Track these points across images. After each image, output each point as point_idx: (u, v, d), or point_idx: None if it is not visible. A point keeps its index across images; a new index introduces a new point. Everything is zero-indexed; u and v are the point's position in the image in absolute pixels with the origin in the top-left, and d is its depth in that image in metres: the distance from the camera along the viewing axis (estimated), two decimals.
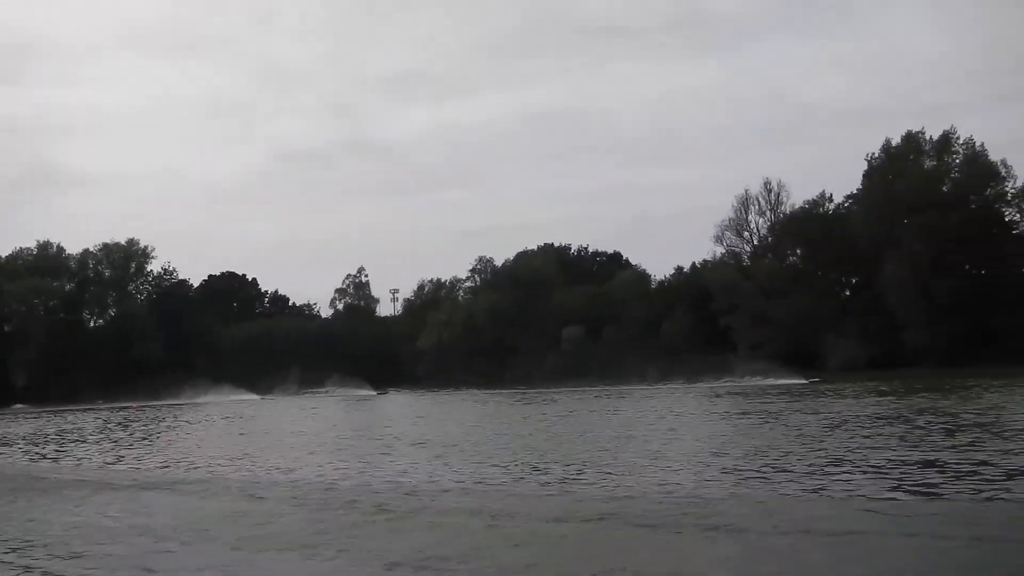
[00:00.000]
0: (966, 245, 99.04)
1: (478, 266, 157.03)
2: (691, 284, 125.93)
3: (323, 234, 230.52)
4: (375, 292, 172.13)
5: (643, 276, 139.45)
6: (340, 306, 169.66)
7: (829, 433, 32.00)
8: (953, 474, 20.37)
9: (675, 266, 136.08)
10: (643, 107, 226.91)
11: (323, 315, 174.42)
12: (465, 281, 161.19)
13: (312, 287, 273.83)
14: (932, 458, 23.52)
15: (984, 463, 21.72)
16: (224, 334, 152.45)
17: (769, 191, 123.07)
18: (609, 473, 23.29)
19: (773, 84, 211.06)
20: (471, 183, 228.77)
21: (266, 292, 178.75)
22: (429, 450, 32.46)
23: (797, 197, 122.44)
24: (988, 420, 34.10)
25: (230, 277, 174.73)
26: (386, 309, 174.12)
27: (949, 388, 58.70)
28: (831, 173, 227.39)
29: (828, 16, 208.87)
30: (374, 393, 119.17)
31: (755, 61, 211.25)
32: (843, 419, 38.05)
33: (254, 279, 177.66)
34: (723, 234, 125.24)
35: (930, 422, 34.47)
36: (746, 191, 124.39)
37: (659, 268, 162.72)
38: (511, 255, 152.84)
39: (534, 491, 20.83)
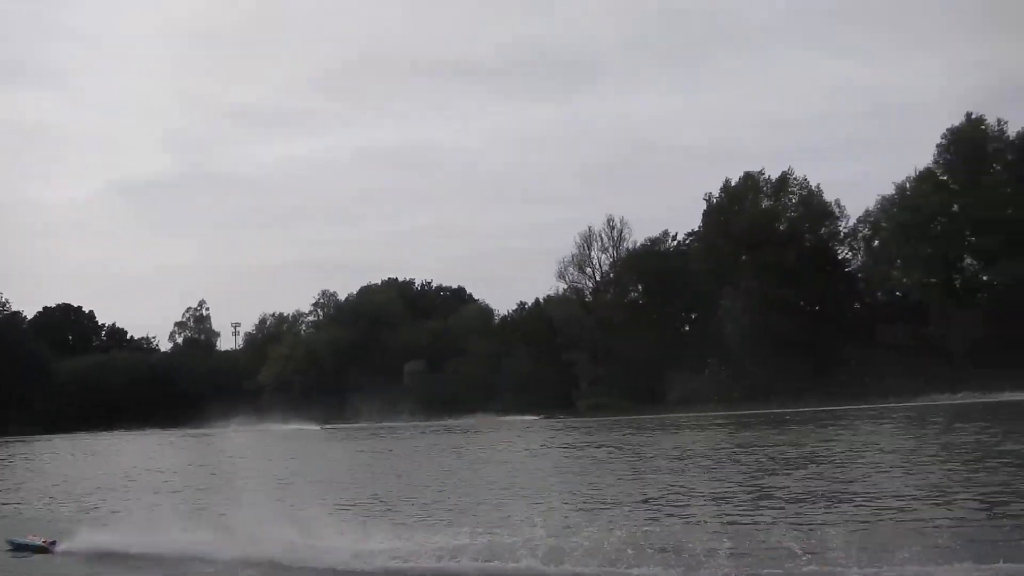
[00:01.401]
0: (801, 282, 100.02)
1: (321, 300, 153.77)
2: (534, 319, 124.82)
3: (163, 267, 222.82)
4: (216, 326, 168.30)
5: (486, 311, 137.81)
6: (180, 340, 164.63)
7: None
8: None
9: (518, 301, 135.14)
10: (488, 144, 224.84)
11: (162, 348, 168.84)
12: (308, 315, 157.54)
13: (152, 320, 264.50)
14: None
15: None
16: (59, 367, 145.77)
17: (612, 228, 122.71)
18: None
19: (616, 124, 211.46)
20: (315, 218, 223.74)
21: (103, 325, 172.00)
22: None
23: (639, 234, 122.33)
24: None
25: (65, 309, 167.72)
26: (227, 343, 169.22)
27: (779, 422, 58.53)
28: (673, 212, 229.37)
29: (673, 59, 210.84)
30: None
31: (599, 101, 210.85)
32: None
33: (91, 311, 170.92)
34: (566, 270, 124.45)
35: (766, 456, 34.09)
36: (589, 228, 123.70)
37: (503, 303, 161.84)
38: (355, 289, 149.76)
39: None
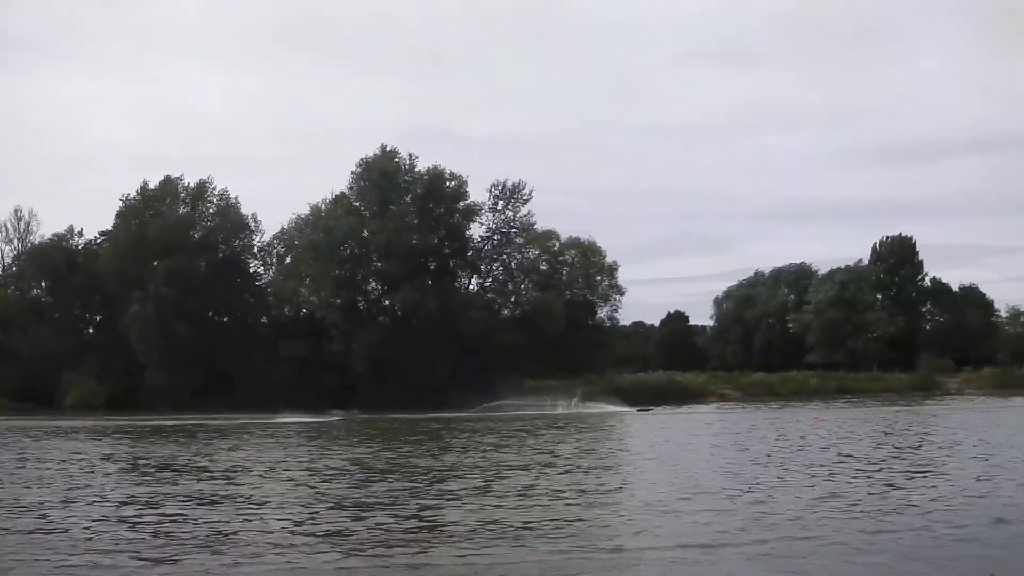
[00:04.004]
0: (210, 292, 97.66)
1: None
2: None
3: None
4: None
5: None
6: None
7: None
8: None
9: None
10: None
11: None
12: None
13: None
14: None
15: None
16: None
17: (19, 219, 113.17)
18: None
19: (34, 110, 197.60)
20: None
21: None
22: None
23: (49, 228, 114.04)
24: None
25: None
26: None
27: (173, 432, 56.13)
28: (90, 209, 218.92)
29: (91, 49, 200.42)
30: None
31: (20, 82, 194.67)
32: None
33: None
34: None
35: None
36: None
37: None
38: None
39: None
